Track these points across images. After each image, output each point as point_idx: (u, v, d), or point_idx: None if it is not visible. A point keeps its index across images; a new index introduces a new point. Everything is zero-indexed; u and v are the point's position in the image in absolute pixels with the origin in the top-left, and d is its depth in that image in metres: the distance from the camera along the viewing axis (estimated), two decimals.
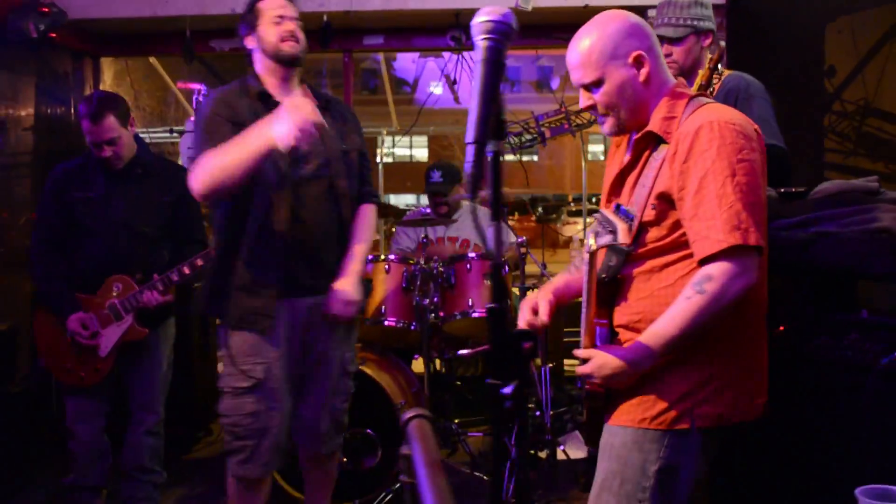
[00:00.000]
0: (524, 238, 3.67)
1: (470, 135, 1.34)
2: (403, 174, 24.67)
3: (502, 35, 1.40)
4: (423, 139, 28.25)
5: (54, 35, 4.37)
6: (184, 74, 7.01)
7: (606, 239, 1.84)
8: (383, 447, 3.43)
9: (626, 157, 1.95)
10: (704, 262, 1.74)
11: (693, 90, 2.67)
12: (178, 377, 4.34)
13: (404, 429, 1.32)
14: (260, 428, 2.62)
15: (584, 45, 1.87)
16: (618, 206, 1.93)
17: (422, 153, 28.94)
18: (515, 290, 3.79)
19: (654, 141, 1.89)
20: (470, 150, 1.33)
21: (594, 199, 13.80)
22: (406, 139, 27.73)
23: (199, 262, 3.11)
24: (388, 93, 8.43)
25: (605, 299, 1.91)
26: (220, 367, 2.70)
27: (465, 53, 5.13)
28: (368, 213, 2.86)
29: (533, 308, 2.09)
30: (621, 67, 1.86)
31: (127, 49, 5.40)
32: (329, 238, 2.72)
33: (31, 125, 4.55)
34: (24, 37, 4.23)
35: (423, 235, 4.08)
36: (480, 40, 1.41)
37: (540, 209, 18.85)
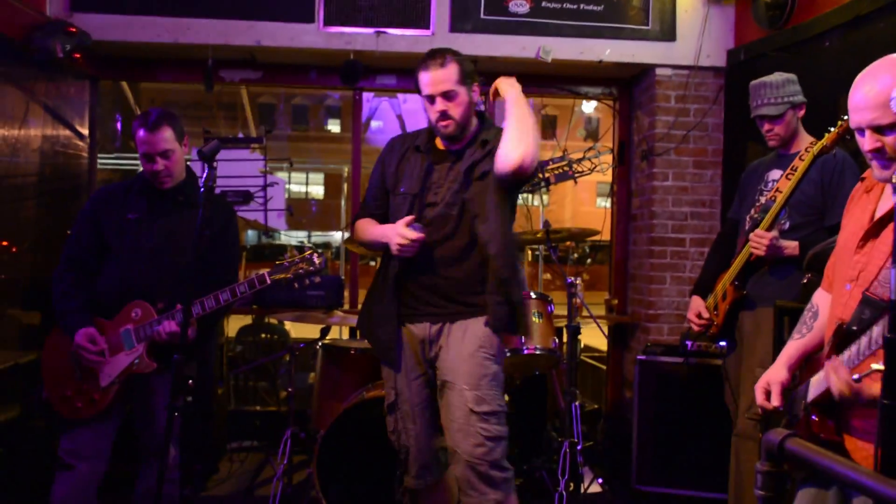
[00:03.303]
0: (573, 279, 3.81)
1: None
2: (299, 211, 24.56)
3: None
4: (320, 176, 28.02)
5: (78, 56, 4.22)
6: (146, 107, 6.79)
7: None
8: None
9: (893, 204, 1.78)
10: None
11: (816, 148, 2.91)
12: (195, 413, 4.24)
13: None
14: (402, 445, 2.93)
15: (884, 82, 1.72)
16: None
17: (318, 190, 28.65)
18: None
19: None
20: None
21: None
22: (301, 175, 27.45)
23: (226, 297, 2.95)
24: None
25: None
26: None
27: None
28: None
29: (765, 389, 2.07)
30: None
31: (134, 74, 5.27)
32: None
33: (38, 147, 4.33)
34: (50, 56, 4.07)
35: None
36: None
37: None
